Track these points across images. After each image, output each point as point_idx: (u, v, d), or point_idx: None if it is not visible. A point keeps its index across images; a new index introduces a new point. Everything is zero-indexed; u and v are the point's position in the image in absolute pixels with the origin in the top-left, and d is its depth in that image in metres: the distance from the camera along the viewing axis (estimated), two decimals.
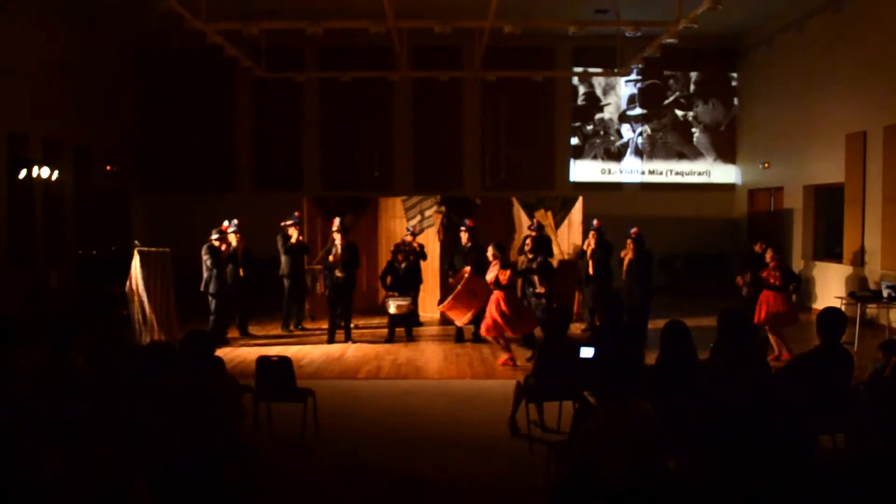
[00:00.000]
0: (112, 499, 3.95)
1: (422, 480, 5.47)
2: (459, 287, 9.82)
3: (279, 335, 11.11)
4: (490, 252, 9.28)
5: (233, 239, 10.52)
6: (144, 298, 9.33)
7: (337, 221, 10.58)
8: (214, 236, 10.25)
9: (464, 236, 10.85)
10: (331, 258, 10.40)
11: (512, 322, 8.92)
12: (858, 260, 12.18)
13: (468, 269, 10.10)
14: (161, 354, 4.46)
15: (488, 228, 12.12)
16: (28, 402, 4.46)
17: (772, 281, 9.22)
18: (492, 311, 8.95)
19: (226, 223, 10.57)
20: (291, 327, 11.43)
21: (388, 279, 10.92)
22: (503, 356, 9.10)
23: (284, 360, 6.28)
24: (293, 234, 11.16)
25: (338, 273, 10.36)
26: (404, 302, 10.62)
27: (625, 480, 3.57)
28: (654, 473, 3.68)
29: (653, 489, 3.63)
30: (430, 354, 9.75)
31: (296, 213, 11.42)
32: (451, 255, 10.96)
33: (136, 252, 9.42)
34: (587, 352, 5.54)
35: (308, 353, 9.82)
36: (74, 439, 4.31)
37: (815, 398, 4.69)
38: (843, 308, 9.27)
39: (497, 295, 8.95)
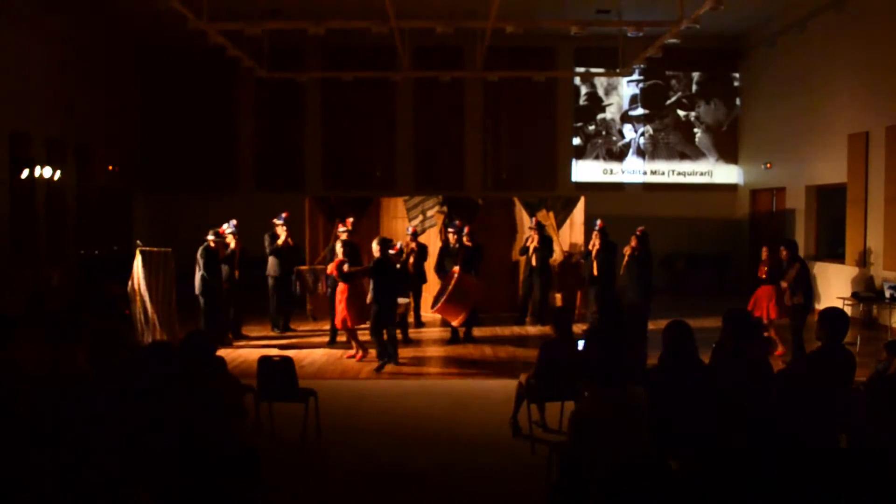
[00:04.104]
0: (113, 500, 3.95)
1: (423, 481, 5.47)
2: (451, 287, 9.84)
3: (273, 336, 11.03)
4: (339, 247, 9.53)
5: (231, 241, 10.47)
6: (146, 298, 9.33)
7: (349, 222, 10.58)
8: (210, 237, 10.21)
9: (451, 238, 10.89)
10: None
11: (343, 313, 9.10)
12: (861, 260, 12.16)
13: (457, 269, 10.15)
14: (162, 354, 4.45)
15: (490, 228, 12.11)
16: (29, 402, 4.46)
17: (761, 276, 9.53)
18: (337, 302, 9.22)
19: (224, 226, 10.49)
20: (281, 325, 11.33)
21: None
22: (356, 353, 9.34)
23: (286, 361, 6.29)
24: (281, 234, 11.01)
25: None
26: (402, 302, 10.59)
27: (616, 464, 3.57)
28: (646, 457, 3.68)
29: (648, 481, 3.62)
30: (431, 355, 9.75)
31: (283, 214, 11.16)
32: (442, 257, 10.96)
33: (137, 252, 9.41)
34: (581, 345, 5.93)
35: (310, 353, 9.82)
36: (76, 440, 4.31)
37: (816, 398, 4.68)
38: (845, 308, 9.26)
39: (342, 287, 9.15)
